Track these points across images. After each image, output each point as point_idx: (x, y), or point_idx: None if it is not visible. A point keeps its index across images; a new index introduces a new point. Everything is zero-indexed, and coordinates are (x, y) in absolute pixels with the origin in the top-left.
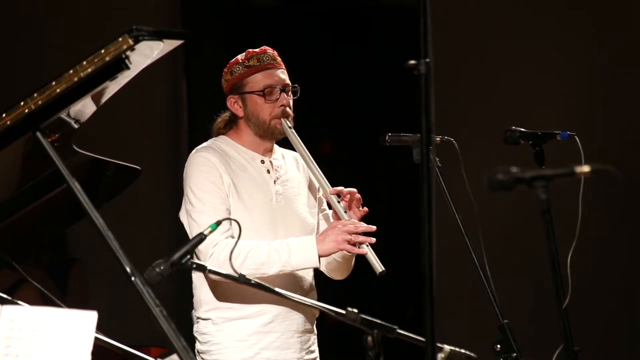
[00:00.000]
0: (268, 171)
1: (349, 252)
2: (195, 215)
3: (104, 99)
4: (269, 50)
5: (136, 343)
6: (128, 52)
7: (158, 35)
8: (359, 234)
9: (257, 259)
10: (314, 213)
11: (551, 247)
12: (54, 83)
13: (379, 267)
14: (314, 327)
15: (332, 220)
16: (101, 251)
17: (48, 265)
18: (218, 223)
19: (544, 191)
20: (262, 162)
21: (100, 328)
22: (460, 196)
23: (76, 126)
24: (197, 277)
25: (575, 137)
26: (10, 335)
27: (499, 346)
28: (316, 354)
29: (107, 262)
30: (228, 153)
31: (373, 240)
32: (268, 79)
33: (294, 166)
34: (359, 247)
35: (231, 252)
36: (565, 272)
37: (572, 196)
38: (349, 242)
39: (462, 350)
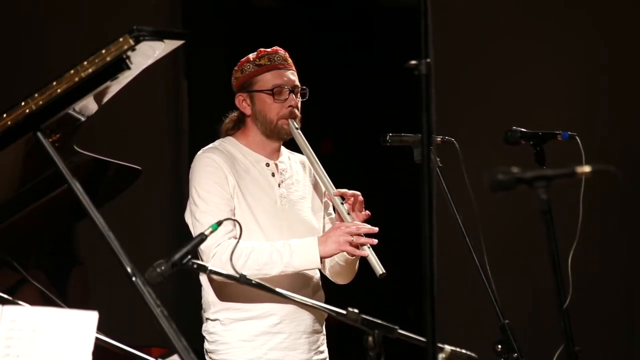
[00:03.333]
0: (273, 174)
1: (351, 254)
2: (198, 215)
3: (106, 99)
4: (281, 51)
5: (137, 343)
6: (129, 52)
7: (158, 36)
8: (361, 235)
9: (259, 259)
10: (320, 217)
11: (551, 247)
12: (54, 83)
13: (379, 269)
14: (323, 327)
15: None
16: (102, 251)
17: (49, 266)
18: (219, 223)
19: (545, 191)
20: (267, 165)
21: (101, 328)
22: (461, 196)
23: (80, 123)
24: (205, 279)
25: (576, 137)
26: (11, 335)
27: (499, 346)
28: (325, 354)
29: (108, 262)
30: (234, 155)
31: (375, 241)
32: (278, 78)
33: (300, 170)
34: (360, 249)
35: (232, 253)
36: (566, 272)
37: (573, 196)
38: (350, 244)
39: (463, 351)
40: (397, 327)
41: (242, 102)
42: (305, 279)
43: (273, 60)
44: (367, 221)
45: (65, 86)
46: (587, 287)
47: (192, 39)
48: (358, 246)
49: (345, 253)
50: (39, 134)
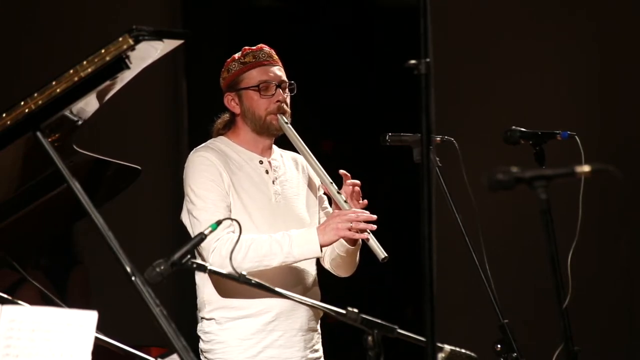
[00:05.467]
0: (267, 171)
1: (351, 239)
2: (196, 213)
3: (105, 99)
4: (265, 47)
5: (136, 343)
6: (128, 52)
7: (158, 35)
8: (360, 221)
9: (259, 251)
10: (314, 212)
11: (551, 247)
12: (54, 83)
13: (381, 253)
14: (318, 326)
15: None
16: (101, 251)
17: (49, 266)
18: (218, 223)
19: (544, 191)
20: (261, 162)
21: (100, 328)
22: (461, 196)
23: (79, 123)
24: (200, 278)
25: (576, 136)
26: (11, 335)
27: (499, 346)
28: (320, 353)
29: (108, 262)
30: (226, 153)
31: (374, 227)
32: (263, 74)
33: (293, 167)
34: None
35: (232, 251)
36: (566, 272)
37: (573, 196)
38: (349, 230)
39: (463, 350)
40: (396, 327)
41: (231, 102)
42: (300, 275)
43: (258, 57)
44: (366, 209)
45: (65, 86)
46: (586, 286)
47: (192, 39)
48: (358, 232)
49: (345, 243)
50: (38, 133)
